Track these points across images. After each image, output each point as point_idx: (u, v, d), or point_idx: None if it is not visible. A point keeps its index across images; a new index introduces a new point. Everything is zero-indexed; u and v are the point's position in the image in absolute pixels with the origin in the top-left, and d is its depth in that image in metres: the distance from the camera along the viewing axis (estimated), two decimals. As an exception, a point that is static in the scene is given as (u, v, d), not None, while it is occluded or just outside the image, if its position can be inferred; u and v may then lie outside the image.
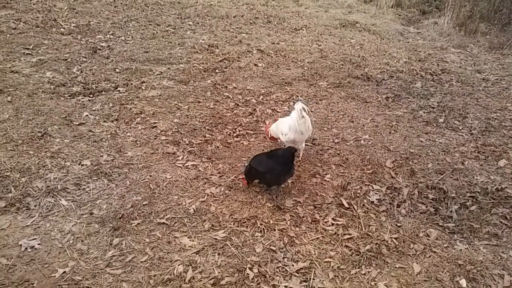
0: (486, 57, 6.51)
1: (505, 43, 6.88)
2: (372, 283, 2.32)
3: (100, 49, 5.51)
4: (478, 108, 4.65)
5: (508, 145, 3.87)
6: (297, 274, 2.33)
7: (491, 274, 2.43)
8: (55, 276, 2.20)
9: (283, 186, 3.05)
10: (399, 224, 2.79)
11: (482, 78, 5.56)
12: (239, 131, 3.86)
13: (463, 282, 2.37)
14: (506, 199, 3.09)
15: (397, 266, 2.45)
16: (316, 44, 6.64)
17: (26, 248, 2.37)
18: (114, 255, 2.37)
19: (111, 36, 6.08)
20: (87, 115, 3.84)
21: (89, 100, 4.13)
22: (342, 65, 5.75)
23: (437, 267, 2.46)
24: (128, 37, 6.12)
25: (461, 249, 2.61)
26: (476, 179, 3.33)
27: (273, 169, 2.87)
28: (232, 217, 2.73)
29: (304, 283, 2.28)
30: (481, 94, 5.03)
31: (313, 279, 2.31)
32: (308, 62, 5.76)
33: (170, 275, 2.26)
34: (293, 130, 3.18)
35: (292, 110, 3.23)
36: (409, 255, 2.54)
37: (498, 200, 3.08)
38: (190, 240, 2.51)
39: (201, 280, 2.24)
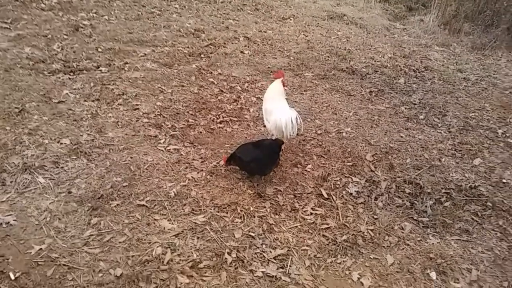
0: (468, 57, 6.66)
1: (487, 44, 7.05)
2: (347, 272, 2.38)
3: (82, 27, 5.34)
4: (457, 107, 4.76)
5: (483, 145, 4.00)
6: (274, 261, 2.36)
7: (460, 268, 2.53)
8: (31, 252, 2.17)
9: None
10: (375, 216, 2.86)
11: (463, 78, 5.69)
12: (223, 117, 3.85)
13: (433, 274, 2.46)
14: (478, 196, 3.20)
15: (371, 257, 2.52)
16: (303, 34, 6.63)
17: (1, 223, 2.32)
18: (92, 235, 2.35)
19: (94, 15, 5.89)
20: (67, 93, 3.74)
21: (70, 79, 4.02)
22: (328, 57, 5.77)
23: (410, 259, 2.55)
24: (112, 17, 5.95)
25: (433, 243, 2.70)
26: (452, 176, 3.43)
27: (258, 159, 2.88)
28: (212, 202, 2.74)
29: (281, 270, 2.32)
30: (461, 93, 5.16)
31: (290, 266, 2.35)
32: (294, 52, 5.76)
33: (149, 256, 2.26)
34: (278, 131, 3.17)
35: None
36: (384, 246, 2.62)
37: (471, 198, 3.19)
38: (169, 223, 2.51)
39: (179, 263, 2.25)
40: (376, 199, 3.05)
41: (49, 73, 4.07)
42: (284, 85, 3.31)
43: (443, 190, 3.24)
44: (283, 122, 3.09)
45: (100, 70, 4.31)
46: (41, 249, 2.20)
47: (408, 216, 2.93)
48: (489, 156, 3.81)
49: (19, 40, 4.65)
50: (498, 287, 2.45)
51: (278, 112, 3.16)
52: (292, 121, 3.09)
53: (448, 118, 4.44)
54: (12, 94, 3.55)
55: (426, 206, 3.03)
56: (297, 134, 3.69)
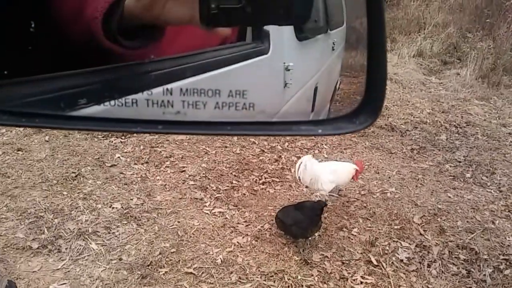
0: (510, 110, 6.49)
1: (530, 97, 6.87)
2: None
3: (131, 91, 5.74)
4: (506, 164, 4.59)
5: (539, 205, 3.78)
6: (326, 336, 2.27)
7: None
8: (84, 324, 2.21)
9: (309, 239, 3.03)
10: (430, 286, 2.72)
11: (508, 133, 5.52)
12: (265, 178, 3.90)
13: None
14: (541, 263, 2.99)
15: (430, 333, 2.36)
16: (340, 91, 6.76)
17: (56, 292, 2.39)
18: (142, 305, 2.37)
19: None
20: (119, 157, 3.96)
21: (121, 142, 4.27)
22: (366, 114, 5.81)
23: (473, 336, 2.37)
24: (158, 80, 6.37)
25: (497, 317, 2.51)
26: (509, 240, 3.23)
27: (300, 221, 2.87)
28: (259, 270, 2.71)
29: None
30: (508, 149, 4.98)
31: None
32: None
33: (198, 330, 2.24)
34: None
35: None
36: (442, 320, 2.46)
37: (533, 265, 2.98)
38: (217, 293, 2.50)
39: (229, 337, 2.20)
40: (429, 266, 2.91)
41: (103, 137, 4.35)
42: (355, 177, 3.34)
43: (501, 256, 3.04)
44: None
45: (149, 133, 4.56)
46: (95, 320, 2.23)
47: (466, 286, 2.76)
48: (548, 218, 3.59)
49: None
50: None
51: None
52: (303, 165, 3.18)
53: (497, 177, 4.27)
54: (70, 159, 3.81)
55: (484, 275, 2.85)
56: (338, 191, 3.67)
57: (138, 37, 0.74)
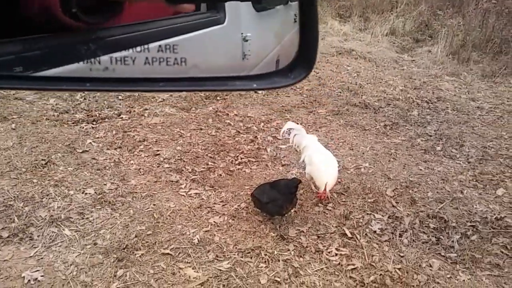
0: (479, 85, 6.68)
1: (497, 72, 7.08)
2: (378, 316, 2.32)
3: (102, 76, 5.59)
4: (474, 137, 4.74)
5: (505, 174, 3.94)
6: (302, 307, 2.33)
7: (495, 306, 2.44)
8: (59, 309, 2.19)
9: (285, 215, 3.07)
10: (402, 254, 2.81)
11: (477, 106, 5.69)
12: (241, 158, 3.91)
13: (467, 314, 2.38)
14: (506, 228, 3.13)
15: (401, 298, 2.46)
16: (314, 71, 6.78)
17: (29, 280, 2.35)
18: (118, 287, 2.36)
19: (113, 63, 6.18)
20: (90, 143, 3.87)
21: (92, 128, 4.18)
22: (340, 92, 5.86)
23: (442, 299, 2.48)
24: (130, 64, 6.22)
25: (463, 280, 2.62)
26: (476, 208, 3.37)
27: (275, 199, 2.90)
28: (236, 247, 2.74)
29: (310, 316, 2.28)
30: (476, 123, 5.15)
31: (319, 311, 2.31)
32: (306, 89, 5.88)
33: (176, 308, 2.25)
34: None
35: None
36: (413, 286, 2.55)
37: (498, 230, 3.11)
38: (194, 271, 2.51)
39: (206, 313, 2.23)
40: (400, 236, 3.00)
41: (73, 123, 4.24)
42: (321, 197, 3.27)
43: (469, 223, 3.17)
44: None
45: (121, 118, 4.47)
46: (70, 304, 2.22)
47: (435, 252, 2.86)
48: (513, 185, 3.75)
49: (44, 93, 4.88)
50: (537, 326, 2.35)
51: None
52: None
53: (466, 149, 4.41)
54: (39, 146, 3.70)
55: (453, 241, 2.97)
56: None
57: (98, 12, 0.73)
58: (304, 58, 0.71)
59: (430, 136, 4.69)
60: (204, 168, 3.68)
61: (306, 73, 0.71)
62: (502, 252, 2.90)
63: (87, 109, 4.56)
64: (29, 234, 2.68)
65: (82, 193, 3.15)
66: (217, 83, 0.77)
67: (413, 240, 2.96)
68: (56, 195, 3.09)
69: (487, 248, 2.91)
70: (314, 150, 3.38)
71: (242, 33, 1.11)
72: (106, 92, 5.07)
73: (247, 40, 1.10)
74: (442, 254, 2.85)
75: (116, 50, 0.70)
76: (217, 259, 2.63)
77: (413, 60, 7.91)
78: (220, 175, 3.60)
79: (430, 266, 2.73)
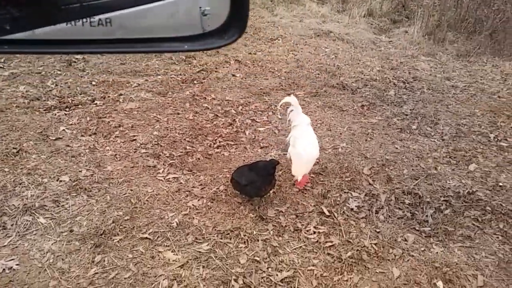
0: (454, 64, 6.80)
1: (472, 51, 7.22)
2: (354, 289, 2.39)
3: (75, 62, 5.43)
4: (448, 115, 4.85)
5: (477, 150, 4.06)
6: (281, 284, 2.36)
7: (466, 275, 2.54)
8: (35, 297, 2.16)
9: (264, 196, 3.09)
10: (378, 230, 2.88)
11: (451, 85, 5.81)
12: (220, 142, 3.89)
13: (440, 284, 2.47)
14: (477, 202, 3.24)
15: (377, 271, 2.52)
16: (292, 53, 6.76)
17: (3, 269, 2.30)
18: (96, 273, 2.34)
19: (86, 48, 5.99)
20: (63, 130, 3.77)
21: (65, 114, 4.07)
22: (318, 74, 5.87)
23: (415, 271, 2.55)
24: (104, 49, 6.05)
25: (437, 252, 2.71)
26: (449, 183, 3.47)
27: (254, 181, 2.91)
28: (215, 229, 2.75)
29: (289, 292, 2.32)
30: (451, 101, 5.26)
31: (297, 287, 2.35)
32: (285, 71, 5.86)
33: (155, 290, 2.25)
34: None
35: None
36: (389, 259, 2.63)
37: (470, 204, 3.22)
38: (174, 254, 2.51)
39: (186, 294, 2.24)
40: (377, 212, 3.07)
41: (44, 110, 4.11)
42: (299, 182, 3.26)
43: (442, 198, 3.27)
44: None
45: (95, 104, 4.36)
46: (46, 291, 2.19)
47: (410, 227, 2.94)
48: (484, 161, 3.86)
49: (13, 79, 4.72)
50: (505, 292, 2.46)
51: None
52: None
53: (440, 126, 4.51)
54: (10, 135, 3.58)
55: (427, 216, 3.06)
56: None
57: None
58: (236, 18, 0.70)
59: (406, 115, 4.77)
60: (182, 152, 3.65)
61: (239, 33, 0.70)
62: (473, 225, 3.00)
63: (59, 95, 4.43)
64: (2, 224, 2.62)
65: (57, 180, 3.09)
66: (146, 44, 0.75)
67: (389, 216, 3.04)
68: (29, 183, 3.01)
69: (459, 221, 3.01)
70: (300, 134, 3.36)
71: None
72: (78, 78, 4.94)
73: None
74: (417, 228, 2.93)
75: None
76: (197, 241, 2.64)
77: (390, 41, 7.98)
78: (199, 159, 3.58)
79: (405, 240, 2.81)
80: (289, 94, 5.11)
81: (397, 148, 4.01)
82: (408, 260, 2.63)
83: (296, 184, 3.28)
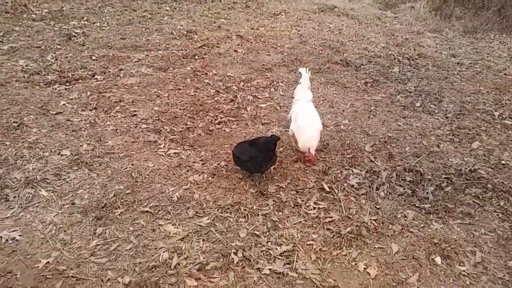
0: (460, 41, 6.66)
1: (479, 27, 7.05)
2: (353, 263, 2.41)
3: (74, 36, 5.35)
4: (453, 92, 4.78)
5: (481, 128, 4.02)
6: (280, 257, 2.39)
7: (464, 251, 2.56)
8: (38, 266, 2.19)
9: (265, 172, 3.08)
10: (378, 206, 2.88)
11: (457, 62, 5.71)
12: (221, 118, 3.86)
13: (438, 259, 2.49)
14: (478, 179, 3.23)
15: (376, 247, 2.54)
16: (295, 29, 6.63)
17: (7, 239, 2.34)
18: (98, 244, 2.37)
19: (86, 22, 5.90)
20: (64, 104, 3.75)
21: (66, 89, 4.04)
22: (322, 50, 5.78)
23: (414, 246, 2.57)
24: (104, 23, 5.95)
25: (436, 229, 2.72)
26: (451, 161, 3.45)
27: (254, 157, 2.90)
28: (216, 204, 2.76)
29: (288, 266, 2.34)
30: (456, 78, 5.18)
31: (296, 261, 2.37)
32: (287, 47, 5.76)
33: (156, 262, 2.28)
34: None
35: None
36: (388, 235, 2.64)
37: (471, 181, 3.21)
38: (174, 228, 2.53)
39: (186, 266, 2.27)
40: (377, 189, 3.07)
41: (45, 84, 4.08)
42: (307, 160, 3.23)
43: (444, 176, 3.26)
44: None
45: (96, 78, 4.32)
46: (48, 262, 2.22)
47: (410, 204, 2.95)
48: (487, 138, 3.83)
49: (13, 53, 4.66)
50: (502, 267, 2.47)
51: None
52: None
53: (444, 104, 4.46)
54: (10, 109, 3.57)
55: (427, 193, 3.05)
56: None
57: None
58: None
59: (410, 92, 4.71)
60: (183, 128, 3.63)
61: None
62: (474, 202, 3.00)
63: (59, 70, 4.38)
64: (4, 196, 2.64)
65: (58, 154, 3.09)
66: None
67: (390, 193, 3.04)
68: (30, 157, 3.02)
69: (460, 199, 3.01)
70: (302, 109, 3.34)
71: None
72: (78, 52, 4.87)
73: None
74: (417, 205, 2.93)
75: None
76: (197, 215, 2.65)
77: (396, 17, 7.80)
78: (200, 134, 3.57)
79: (405, 216, 2.82)
80: (291, 70, 5.04)
81: (400, 125, 3.98)
82: (407, 236, 2.65)
83: (307, 160, 3.25)
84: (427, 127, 3.99)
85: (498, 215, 2.90)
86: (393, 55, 5.80)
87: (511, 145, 3.74)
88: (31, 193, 2.69)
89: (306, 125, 3.17)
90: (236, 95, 4.30)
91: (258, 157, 2.91)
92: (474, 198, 3.04)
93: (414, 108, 4.34)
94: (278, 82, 4.69)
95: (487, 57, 5.98)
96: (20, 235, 2.37)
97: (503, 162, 3.48)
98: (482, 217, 2.86)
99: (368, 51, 5.89)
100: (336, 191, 2.99)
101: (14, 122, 3.38)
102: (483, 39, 6.75)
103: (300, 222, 2.68)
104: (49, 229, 2.44)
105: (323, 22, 7.08)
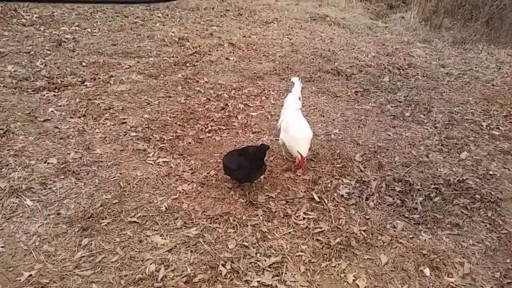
0: (450, 51, 6.76)
1: (467, 38, 7.17)
2: (342, 275, 2.39)
3: (65, 42, 5.31)
4: (442, 102, 4.83)
5: (469, 138, 4.06)
6: (269, 269, 2.37)
7: (453, 263, 2.56)
8: (20, 280, 2.14)
9: (255, 182, 3.07)
10: (367, 217, 2.88)
11: (446, 73, 5.78)
12: (211, 126, 3.85)
13: (427, 271, 2.49)
14: (467, 190, 3.25)
15: (365, 258, 2.53)
16: (287, 37, 6.66)
17: (-11, 251, 2.28)
18: (83, 256, 2.32)
19: (77, 28, 5.86)
20: (52, 111, 3.70)
21: (54, 95, 3.99)
22: (313, 59, 5.81)
23: (403, 257, 2.57)
24: (95, 29, 5.92)
25: (425, 239, 2.73)
26: (440, 171, 3.47)
27: (243, 166, 2.89)
28: (204, 214, 2.73)
29: (277, 278, 2.32)
30: (445, 88, 5.23)
31: (285, 273, 2.35)
32: (279, 56, 5.78)
33: (142, 274, 2.24)
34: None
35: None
36: (377, 246, 2.64)
37: (459, 192, 3.23)
38: (162, 238, 2.50)
39: (173, 279, 2.24)
40: (367, 199, 3.07)
41: (33, 91, 4.03)
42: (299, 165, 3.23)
43: (432, 186, 3.27)
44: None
45: (85, 85, 4.28)
46: (31, 275, 2.17)
47: (400, 214, 2.95)
48: (475, 149, 3.87)
49: (1, 59, 4.60)
50: (490, 278, 2.48)
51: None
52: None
53: (434, 114, 4.50)
54: (-4, 116, 3.52)
55: (416, 203, 3.06)
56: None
57: None
58: None
59: (400, 102, 4.75)
60: (172, 136, 3.60)
61: None
62: (462, 212, 3.02)
63: (48, 76, 4.33)
64: (-13, 206, 2.58)
65: (44, 162, 3.04)
66: None
67: (379, 203, 3.04)
68: (16, 165, 2.96)
69: (448, 209, 3.03)
70: (291, 118, 3.34)
71: None
72: (68, 58, 4.83)
73: None
74: (406, 215, 2.94)
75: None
76: (185, 226, 2.62)
77: (387, 27, 7.90)
78: (190, 143, 3.55)
79: (394, 227, 2.82)
80: (283, 78, 5.05)
81: (389, 135, 4.00)
82: (396, 247, 2.65)
83: (297, 167, 3.26)
84: (417, 137, 4.01)
85: (486, 225, 2.92)
86: (383, 64, 5.85)
87: (498, 155, 3.78)
88: (15, 203, 2.63)
89: (297, 132, 3.18)
90: (227, 103, 4.29)
91: (247, 166, 2.90)
92: (463, 209, 3.05)
93: (404, 118, 4.37)
94: (270, 91, 4.70)
95: (476, 67, 6.07)
96: (2, 247, 2.32)
97: (491, 172, 3.51)
98: (470, 228, 2.88)
99: (359, 61, 5.93)
100: (326, 201, 2.99)
101: (0, 129, 3.32)
102: (471, 50, 6.86)
103: (289, 232, 2.66)
104: (33, 240, 2.39)
105: (314, 31, 7.13)
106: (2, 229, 2.44)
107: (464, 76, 5.70)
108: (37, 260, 2.26)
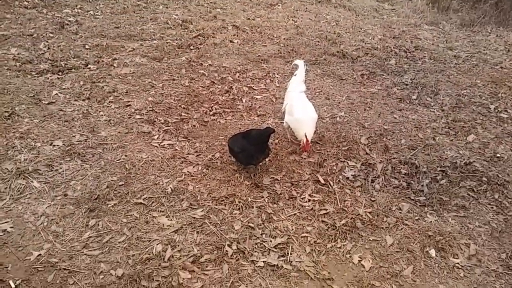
0: (457, 34, 6.64)
1: (476, 20, 7.03)
2: (347, 256, 2.40)
3: (68, 24, 5.26)
4: (449, 85, 4.77)
5: (476, 121, 4.01)
6: (275, 250, 2.38)
7: (459, 244, 2.56)
8: (30, 259, 2.16)
9: (260, 164, 3.06)
10: (373, 199, 2.88)
11: (454, 55, 5.68)
12: (216, 109, 3.82)
13: (432, 252, 2.49)
14: (473, 172, 3.23)
15: (371, 239, 2.54)
16: (292, 20, 6.57)
17: (-2, 232, 2.31)
18: (90, 236, 2.34)
19: (79, 11, 5.79)
20: (56, 94, 3.69)
21: (58, 78, 3.97)
22: (318, 42, 5.73)
23: (409, 239, 2.57)
24: (97, 12, 5.85)
25: (431, 221, 2.72)
26: (446, 154, 3.45)
27: (246, 149, 2.87)
28: (210, 196, 2.74)
29: (282, 258, 2.33)
30: (452, 71, 5.16)
31: (291, 253, 2.36)
32: (284, 38, 5.71)
33: (149, 254, 2.26)
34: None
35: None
36: (382, 228, 2.64)
37: (466, 174, 3.21)
38: (168, 220, 2.51)
39: (180, 259, 2.25)
40: (372, 181, 3.06)
41: (37, 73, 4.01)
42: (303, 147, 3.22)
43: (439, 168, 3.25)
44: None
45: (89, 68, 4.25)
46: (40, 254, 2.19)
47: (405, 196, 2.94)
48: (483, 132, 3.83)
49: (4, 41, 4.57)
50: (496, 260, 2.48)
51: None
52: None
53: (441, 97, 4.44)
54: (1, 98, 3.50)
55: (422, 185, 3.05)
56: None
57: None
58: None
59: (406, 85, 4.69)
60: (177, 119, 3.59)
61: None
62: (469, 195, 3.01)
63: (51, 59, 4.31)
64: (-5, 187, 2.60)
65: (50, 145, 3.04)
66: None
67: (385, 185, 3.03)
68: (22, 147, 2.97)
69: (454, 191, 3.01)
70: (296, 100, 3.30)
71: None
72: (71, 41, 4.78)
73: None
74: (412, 197, 2.93)
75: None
76: (191, 207, 2.63)
77: (393, 9, 7.75)
78: (194, 126, 3.53)
79: (400, 209, 2.81)
80: (287, 61, 4.99)
81: (396, 118, 3.96)
82: (401, 229, 2.65)
83: (302, 149, 3.25)
84: (423, 119, 3.97)
85: (492, 208, 2.90)
86: (389, 47, 5.77)
87: (506, 138, 3.74)
88: (22, 184, 2.65)
89: (301, 114, 3.16)
90: (231, 86, 4.26)
91: (250, 149, 2.88)
92: (469, 191, 3.04)
93: (410, 101, 4.32)
94: (274, 73, 4.65)
95: (484, 50, 5.97)
96: (11, 227, 2.34)
97: (498, 155, 3.48)
98: (476, 210, 2.87)
99: (365, 43, 5.84)
100: (331, 183, 2.98)
101: (5, 111, 3.32)
102: (480, 32, 6.73)
103: (295, 214, 2.67)
104: (41, 220, 2.41)
105: (320, 13, 7.02)
106: (10, 210, 2.46)
107: (472, 58, 5.61)
108: (46, 240, 2.29)
